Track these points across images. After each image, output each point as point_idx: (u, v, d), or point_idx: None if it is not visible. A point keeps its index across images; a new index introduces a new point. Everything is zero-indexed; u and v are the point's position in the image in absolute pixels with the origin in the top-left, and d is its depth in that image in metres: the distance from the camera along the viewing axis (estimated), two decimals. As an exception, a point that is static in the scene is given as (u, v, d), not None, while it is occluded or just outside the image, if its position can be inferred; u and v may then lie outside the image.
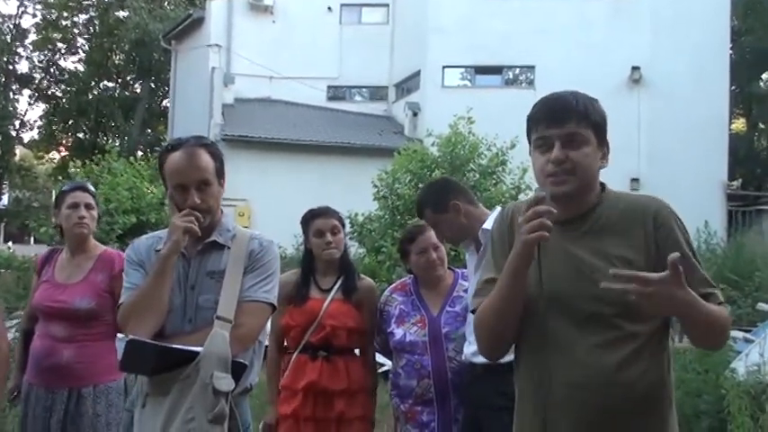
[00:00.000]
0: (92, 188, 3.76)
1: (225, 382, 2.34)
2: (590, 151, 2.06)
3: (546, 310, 2.07)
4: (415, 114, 20.79)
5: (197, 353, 2.35)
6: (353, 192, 14.24)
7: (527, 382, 2.15)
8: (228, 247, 2.60)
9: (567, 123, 2.04)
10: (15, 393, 3.69)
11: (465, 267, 3.69)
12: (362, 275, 3.91)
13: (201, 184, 2.54)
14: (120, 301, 2.57)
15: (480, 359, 3.20)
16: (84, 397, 3.43)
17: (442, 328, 3.53)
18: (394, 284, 3.90)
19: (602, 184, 2.17)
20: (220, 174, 2.63)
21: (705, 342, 2.22)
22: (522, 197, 12.82)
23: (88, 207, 3.62)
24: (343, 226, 3.81)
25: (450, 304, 3.59)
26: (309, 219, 3.76)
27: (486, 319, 2.11)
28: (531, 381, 2.12)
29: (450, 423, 3.45)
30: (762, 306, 8.64)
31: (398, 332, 3.58)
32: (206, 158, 2.57)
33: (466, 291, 3.56)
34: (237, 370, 2.41)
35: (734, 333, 7.61)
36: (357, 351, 3.79)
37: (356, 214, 13.08)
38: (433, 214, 3.35)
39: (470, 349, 3.27)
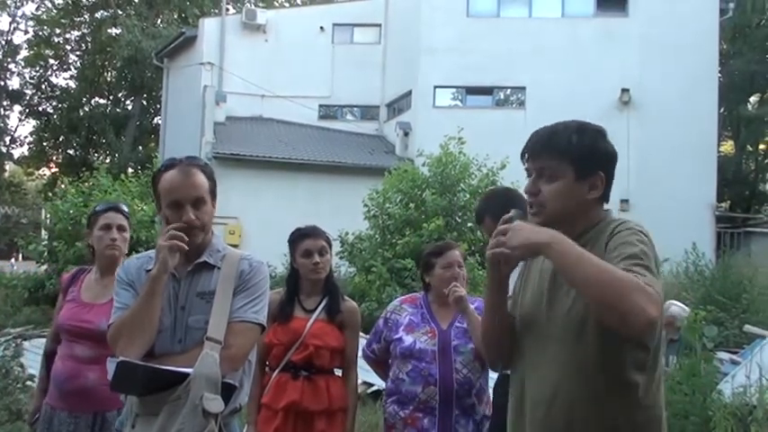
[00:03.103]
0: (125, 209, 3.69)
1: (214, 403, 2.34)
2: (561, 186, 2.11)
3: (520, 329, 2.23)
4: (406, 134, 20.87)
5: (187, 374, 2.35)
6: (344, 211, 14.27)
7: (511, 398, 2.26)
8: (219, 268, 2.61)
9: (539, 158, 2.15)
10: (36, 417, 3.55)
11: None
12: (346, 297, 3.92)
13: (197, 201, 2.57)
14: (109, 322, 2.57)
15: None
16: (108, 421, 3.29)
17: (451, 341, 3.60)
18: (403, 297, 4.00)
19: (608, 211, 2.22)
20: (213, 194, 2.66)
21: (591, 297, 1.88)
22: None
23: (120, 229, 3.56)
24: (330, 246, 3.83)
25: (459, 320, 3.66)
26: (297, 238, 3.77)
27: (481, 329, 2.37)
28: (512, 396, 2.25)
29: None
30: (749, 328, 8.70)
31: (408, 339, 3.64)
32: (201, 177, 2.61)
33: (474, 308, 3.61)
34: (227, 391, 2.42)
35: (721, 355, 7.65)
36: (338, 372, 3.81)
37: (346, 233, 13.09)
38: (492, 222, 3.39)
39: None
